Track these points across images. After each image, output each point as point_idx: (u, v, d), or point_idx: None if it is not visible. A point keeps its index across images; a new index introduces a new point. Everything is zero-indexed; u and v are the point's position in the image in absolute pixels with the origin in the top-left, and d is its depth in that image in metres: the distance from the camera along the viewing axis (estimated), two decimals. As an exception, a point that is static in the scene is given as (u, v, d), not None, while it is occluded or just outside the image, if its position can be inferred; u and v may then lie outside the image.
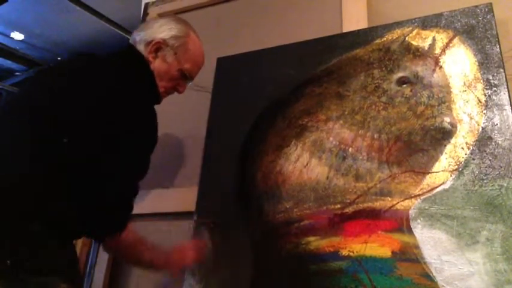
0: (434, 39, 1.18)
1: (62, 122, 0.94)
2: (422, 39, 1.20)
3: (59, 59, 4.83)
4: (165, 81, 1.15)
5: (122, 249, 1.10)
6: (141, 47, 1.14)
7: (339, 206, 1.11)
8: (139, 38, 1.16)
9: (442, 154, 1.06)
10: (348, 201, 1.10)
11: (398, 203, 1.05)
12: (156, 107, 1.11)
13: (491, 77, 1.08)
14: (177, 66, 1.15)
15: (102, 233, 1.02)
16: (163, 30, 1.16)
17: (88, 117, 0.96)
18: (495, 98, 1.05)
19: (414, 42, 1.20)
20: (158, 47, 1.14)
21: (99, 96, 0.99)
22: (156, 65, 1.13)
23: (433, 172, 1.05)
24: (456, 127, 1.07)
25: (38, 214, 0.88)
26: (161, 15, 1.84)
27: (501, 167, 0.99)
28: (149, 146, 1.05)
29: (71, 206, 0.93)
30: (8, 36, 4.31)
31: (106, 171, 0.96)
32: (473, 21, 1.15)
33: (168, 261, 1.16)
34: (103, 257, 1.46)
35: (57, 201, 0.92)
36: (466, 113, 1.07)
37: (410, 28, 1.23)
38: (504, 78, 1.06)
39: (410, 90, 1.15)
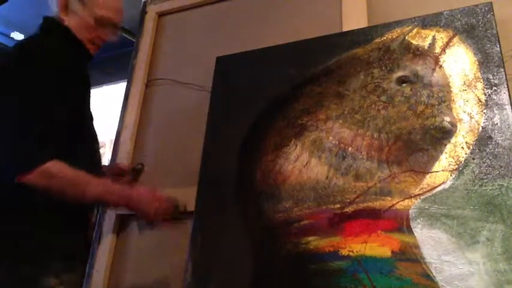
0: (434, 38, 1.18)
1: None
2: (422, 39, 1.19)
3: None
4: (86, 33, 1.17)
5: (53, 187, 1.01)
6: (54, 10, 1.19)
7: (338, 205, 1.11)
8: (51, 2, 1.20)
9: (442, 154, 1.05)
10: (348, 200, 1.10)
11: (398, 202, 1.05)
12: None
13: (491, 77, 1.07)
14: (90, 16, 1.16)
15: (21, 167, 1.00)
16: None
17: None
18: (495, 98, 1.05)
19: (414, 42, 1.20)
20: (65, 3, 1.17)
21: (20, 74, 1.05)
22: (70, 21, 1.16)
23: (433, 172, 1.05)
24: (456, 126, 1.07)
25: None
26: (160, 14, 1.84)
27: (501, 167, 0.98)
28: (60, 90, 1.07)
29: None
30: (8, 36, 4.32)
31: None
32: (473, 21, 1.15)
33: (135, 203, 1.13)
34: (103, 257, 1.46)
35: None
36: (466, 112, 1.07)
37: (410, 27, 1.22)
38: (504, 78, 1.06)
39: (410, 90, 1.15)
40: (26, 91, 1.02)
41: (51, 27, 1.17)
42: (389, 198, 1.06)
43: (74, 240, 1.04)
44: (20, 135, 1.00)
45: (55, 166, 1.00)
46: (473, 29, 1.14)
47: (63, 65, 1.09)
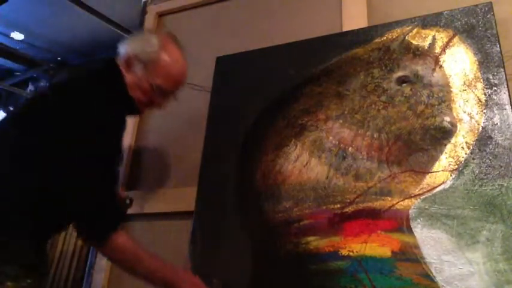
0: (434, 38, 1.18)
1: (38, 134, 1.05)
2: (422, 39, 1.19)
3: (58, 59, 4.84)
4: (139, 94, 1.17)
5: (119, 254, 1.07)
6: (119, 60, 1.19)
7: (338, 205, 1.11)
8: (119, 51, 1.21)
9: (442, 154, 1.05)
10: (348, 200, 1.10)
11: (398, 202, 1.05)
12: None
13: (491, 77, 1.07)
14: (148, 81, 1.16)
15: (87, 237, 1.09)
16: (137, 44, 1.20)
17: (59, 123, 1.04)
18: (495, 98, 1.05)
19: (414, 42, 1.20)
20: (129, 61, 1.17)
21: (71, 111, 1.06)
22: (129, 78, 1.17)
23: (433, 172, 1.05)
24: (456, 126, 1.07)
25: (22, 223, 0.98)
26: (160, 14, 1.84)
27: (501, 167, 0.98)
28: (114, 148, 1.10)
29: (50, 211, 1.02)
30: (8, 36, 4.32)
31: (75, 177, 1.02)
32: (473, 21, 1.15)
33: (177, 279, 1.12)
34: (103, 257, 1.46)
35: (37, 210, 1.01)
36: (466, 112, 1.07)
37: (410, 27, 1.22)
38: (504, 78, 1.06)
39: (410, 90, 1.15)
40: (89, 144, 1.04)
41: (111, 78, 1.17)
42: (389, 198, 1.06)
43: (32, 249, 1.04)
44: (89, 186, 1.04)
45: (124, 244, 1.05)
46: (473, 29, 1.14)
47: (122, 126, 1.13)
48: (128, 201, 1.36)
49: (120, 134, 1.11)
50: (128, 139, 1.61)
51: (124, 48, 1.20)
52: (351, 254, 1.04)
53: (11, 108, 5.19)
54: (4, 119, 1.22)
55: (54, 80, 1.30)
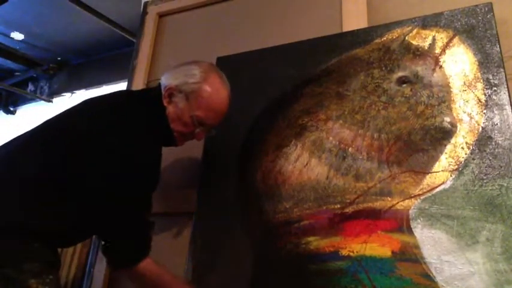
0: (434, 38, 1.18)
1: (76, 156, 1.05)
2: (422, 39, 1.19)
3: (58, 59, 4.84)
4: (180, 126, 1.16)
5: (141, 278, 1.11)
6: (162, 91, 1.18)
7: (338, 206, 1.11)
8: (161, 82, 1.20)
9: (442, 154, 1.06)
10: (348, 201, 1.10)
11: (398, 202, 1.05)
12: None
13: (491, 77, 1.07)
14: (189, 113, 1.15)
15: (115, 264, 1.12)
16: (179, 76, 1.18)
17: (96, 155, 1.05)
18: (495, 98, 1.05)
19: (414, 42, 1.20)
20: (171, 93, 1.16)
21: (111, 136, 1.07)
22: (170, 110, 1.16)
23: (433, 172, 1.05)
24: (456, 127, 1.07)
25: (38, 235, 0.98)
26: (161, 14, 1.84)
27: (501, 167, 0.99)
28: (151, 184, 1.11)
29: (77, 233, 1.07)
30: (8, 36, 4.32)
31: (111, 205, 1.05)
32: (473, 21, 1.15)
33: None
34: (103, 258, 1.46)
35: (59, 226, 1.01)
36: (466, 112, 1.07)
37: (410, 28, 1.22)
38: (504, 78, 1.06)
39: (410, 90, 1.15)
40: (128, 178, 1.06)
41: (153, 109, 1.16)
42: (390, 199, 1.06)
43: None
44: (125, 216, 1.07)
45: (146, 267, 1.09)
46: (473, 29, 1.14)
47: (159, 160, 1.13)
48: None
49: (157, 169, 1.12)
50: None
51: (166, 79, 1.19)
52: (351, 254, 1.04)
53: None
54: (33, 133, 1.15)
55: (95, 102, 1.25)
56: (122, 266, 1.10)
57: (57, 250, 1.06)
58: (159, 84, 1.21)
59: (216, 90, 1.17)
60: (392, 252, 1.01)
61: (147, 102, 1.18)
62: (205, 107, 1.15)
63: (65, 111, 1.19)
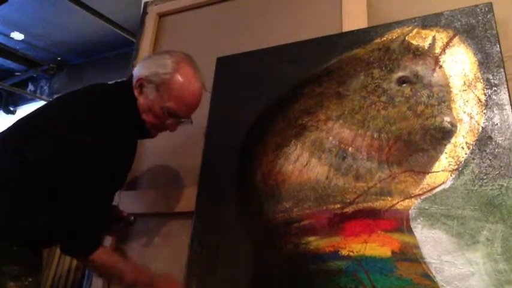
0: (434, 38, 1.18)
1: (42, 145, 1.05)
2: (422, 39, 1.19)
3: (58, 59, 4.84)
4: (151, 118, 1.16)
5: (96, 267, 1.14)
6: (133, 83, 1.17)
7: (338, 205, 1.11)
8: (134, 73, 1.19)
9: (442, 154, 1.06)
10: (348, 201, 1.10)
11: (398, 202, 1.05)
12: None
13: (491, 77, 1.07)
14: (159, 104, 1.13)
15: (68, 252, 1.12)
16: (150, 66, 1.17)
17: (68, 153, 1.04)
18: (495, 98, 1.05)
19: (414, 42, 1.20)
20: (141, 83, 1.15)
21: (82, 126, 1.07)
22: (141, 101, 1.15)
23: (433, 172, 1.05)
24: (456, 127, 1.07)
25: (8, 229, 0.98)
26: (161, 15, 1.84)
27: (501, 167, 0.99)
28: (118, 177, 1.11)
29: (40, 223, 1.02)
30: (8, 36, 4.32)
31: (74, 195, 1.03)
32: (473, 21, 1.15)
33: (153, 283, 1.18)
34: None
35: (27, 218, 1.01)
36: (466, 112, 1.07)
37: (410, 27, 1.22)
38: (504, 78, 1.06)
39: (410, 90, 1.15)
40: (96, 165, 1.05)
41: (125, 100, 1.16)
42: (390, 198, 1.06)
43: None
44: (86, 205, 1.07)
45: (99, 257, 1.09)
46: (473, 29, 1.14)
47: (132, 153, 1.13)
48: (132, 219, 1.37)
49: (127, 162, 1.11)
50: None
51: (138, 70, 1.18)
52: (351, 254, 1.04)
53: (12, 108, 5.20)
54: (11, 129, 1.16)
55: (67, 94, 1.25)
56: (75, 254, 1.13)
57: (39, 252, 1.06)
58: (132, 76, 1.19)
59: (187, 81, 1.15)
60: (392, 252, 1.01)
61: (120, 94, 1.17)
62: (176, 98, 1.13)
63: (38, 109, 1.18)
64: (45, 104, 1.21)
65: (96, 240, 1.10)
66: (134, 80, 1.17)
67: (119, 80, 1.27)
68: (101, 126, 1.08)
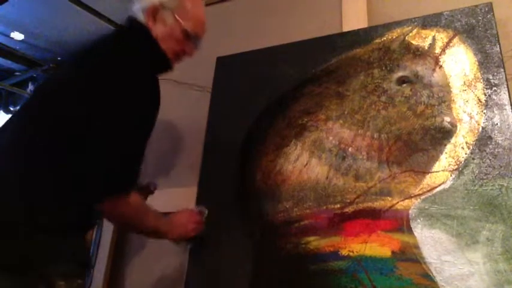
0: (434, 38, 1.18)
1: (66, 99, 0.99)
2: (422, 39, 1.19)
3: (58, 59, 4.83)
4: (173, 44, 1.11)
5: (126, 215, 1.03)
6: (140, 16, 1.11)
7: (338, 205, 1.11)
8: (138, 7, 1.13)
9: (442, 154, 1.06)
10: (348, 201, 1.10)
11: (398, 202, 1.05)
12: None
13: (491, 77, 1.07)
14: (180, 27, 1.11)
15: (104, 194, 0.98)
16: None
17: (88, 93, 0.98)
18: (495, 98, 1.05)
19: (414, 42, 1.20)
20: (155, 10, 1.10)
21: (101, 76, 1.00)
22: (158, 30, 1.10)
23: (433, 172, 1.05)
24: (456, 127, 1.07)
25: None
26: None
27: (501, 167, 0.99)
28: (150, 114, 1.04)
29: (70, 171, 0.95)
30: (8, 36, 4.31)
31: (106, 144, 0.96)
32: (473, 21, 1.15)
33: (171, 229, 1.13)
34: (103, 257, 1.46)
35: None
36: (466, 112, 1.07)
37: (410, 27, 1.22)
38: (504, 78, 1.06)
39: (410, 90, 1.15)
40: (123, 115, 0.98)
41: (138, 36, 1.11)
42: (390, 198, 1.06)
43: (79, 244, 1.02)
44: (120, 145, 0.98)
45: (135, 197, 1.03)
46: (473, 29, 1.14)
47: (156, 90, 1.06)
48: (152, 187, 1.33)
49: (154, 100, 1.05)
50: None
51: (142, 3, 1.13)
52: (351, 254, 1.04)
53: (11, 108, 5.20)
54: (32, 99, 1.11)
55: (77, 55, 1.21)
56: (116, 192, 0.99)
57: (88, 248, 1.01)
58: (129, 17, 1.15)
59: (198, 1, 1.17)
60: (392, 252, 1.01)
61: (126, 36, 1.13)
62: (193, 18, 1.13)
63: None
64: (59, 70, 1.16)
65: (135, 179, 1.03)
66: (142, 13, 1.12)
67: (116, 29, 1.20)
68: (120, 71, 1.02)
